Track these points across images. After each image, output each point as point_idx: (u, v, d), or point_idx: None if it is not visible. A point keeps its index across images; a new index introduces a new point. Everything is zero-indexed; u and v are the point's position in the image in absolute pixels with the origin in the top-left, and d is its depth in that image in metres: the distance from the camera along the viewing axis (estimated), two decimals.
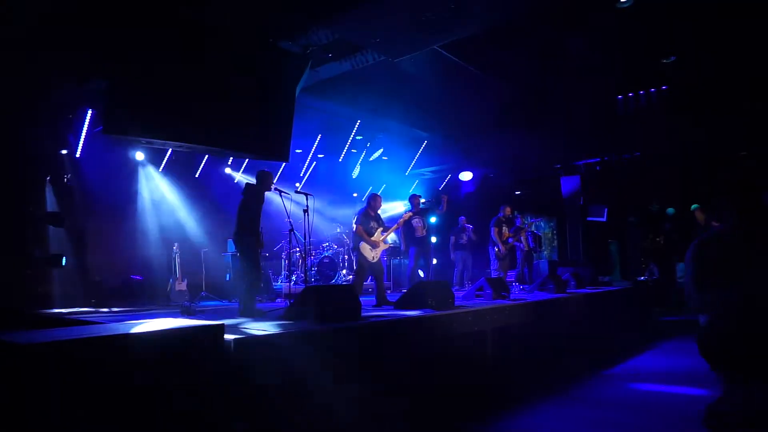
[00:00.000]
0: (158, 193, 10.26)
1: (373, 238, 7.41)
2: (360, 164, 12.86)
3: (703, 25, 6.58)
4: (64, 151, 8.61)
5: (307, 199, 6.60)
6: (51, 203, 8.54)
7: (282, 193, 6.58)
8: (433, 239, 12.13)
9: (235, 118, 6.07)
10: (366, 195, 8.15)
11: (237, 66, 6.02)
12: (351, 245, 7.66)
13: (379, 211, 7.72)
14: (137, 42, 5.33)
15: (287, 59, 6.41)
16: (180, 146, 6.18)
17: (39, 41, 5.50)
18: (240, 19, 5.82)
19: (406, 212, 8.10)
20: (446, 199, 8.51)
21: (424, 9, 5.66)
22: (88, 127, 8.48)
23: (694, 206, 12.97)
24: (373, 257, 7.41)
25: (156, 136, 5.49)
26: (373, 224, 7.52)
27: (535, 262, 11.71)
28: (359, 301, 5.32)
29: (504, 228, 10.12)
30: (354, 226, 7.50)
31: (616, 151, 11.68)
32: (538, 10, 6.36)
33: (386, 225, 7.75)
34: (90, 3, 5.18)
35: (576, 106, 9.78)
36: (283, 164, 11.15)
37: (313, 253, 10.52)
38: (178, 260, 8.73)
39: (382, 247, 7.58)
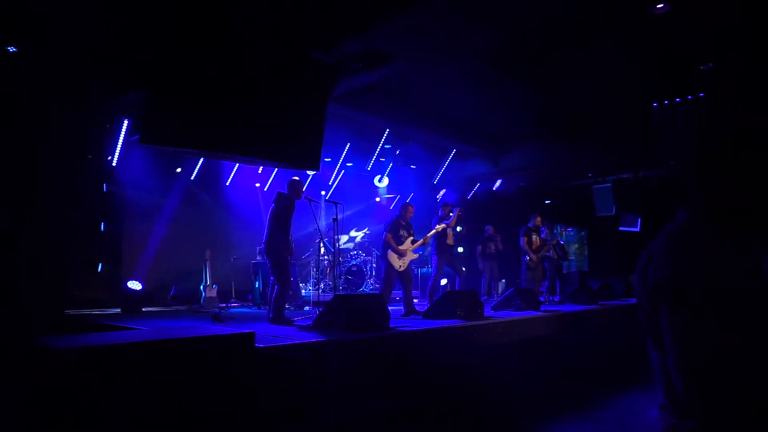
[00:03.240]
0: (191, 200, 10.46)
1: (401, 247, 7.40)
2: (388, 173, 12.88)
3: (742, 30, 6.40)
4: (103, 159, 8.86)
5: (336, 208, 6.63)
6: (89, 210, 8.80)
7: (312, 202, 6.64)
8: (460, 249, 12.05)
9: (268, 128, 6.17)
10: (394, 203, 8.15)
11: (269, 76, 6.12)
12: (380, 252, 7.63)
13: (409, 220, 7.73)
14: (174, 55, 5.47)
15: (319, 69, 6.49)
16: (213, 155, 6.29)
17: (83, 54, 5.71)
18: (273, 31, 5.92)
19: (439, 224, 8.05)
20: (458, 212, 8.38)
21: (456, 22, 5.68)
22: (124, 137, 8.72)
23: None
24: (401, 266, 7.40)
25: (191, 145, 5.61)
26: (402, 233, 7.52)
27: (565, 272, 11.50)
28: (388, 310, 5.31)
29: (534, 237, 9.98)
30: (384, 234, 7.52)
31: (651, 160, 11.41)
32: (569, 20, 6.30)
33: (415, 236, 7.72)
34: (132, 17, 5.36)
35: (610, 114, 9.61)
36: (311, 174, 11.27)
37: (341, 260, 10.56)
38: (209, 267, 8.87)
39: (411, 256, 7.55)
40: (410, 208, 7.77)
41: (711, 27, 6.45)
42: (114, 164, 8.88)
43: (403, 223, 7.62)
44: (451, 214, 8.44)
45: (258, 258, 9.48)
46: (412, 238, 7.62)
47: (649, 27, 6.46)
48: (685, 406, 1.31)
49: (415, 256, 7.69)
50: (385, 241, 7.46)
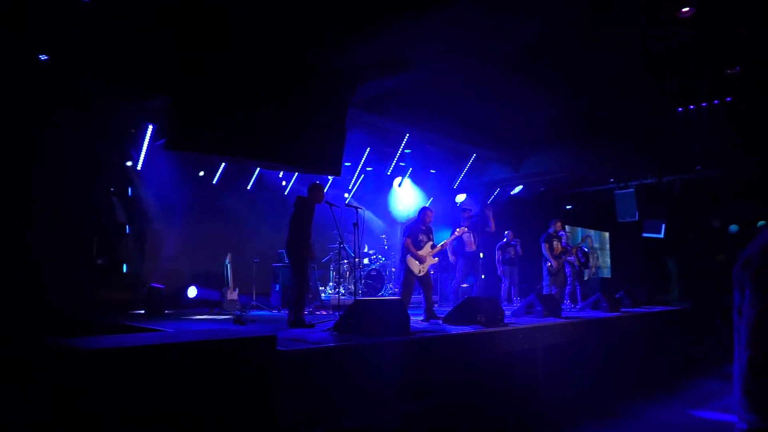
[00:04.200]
0: (213, 203, 10.60)
1: (421, 252, 7.38)
2: (408, 177, 12.88)
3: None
4: (128, 164, 9.05)
5: (357, 213, 6.66)
6: (114, 213, 8.99)
7: (332, 206, 6.67)
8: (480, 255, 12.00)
9: (290, 133, 6.24)
10: (416, 208, 8.20)
11: (291, 82, 6.20)
12: (400, 257, 7.61)
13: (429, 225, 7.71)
14: (198, 62, 5.58)
15: (339, 75, 6.55)
16: (236, 160, 6.38)
17: (108, 60, 5.86)
18: (296, 38, 5.99)
19: (457, 228, 8.01)
20: (492, 215, 8.36)
21: (473, 28, 5.69)
22: (149, 142, 8.89)
23: (760, 223, 12.31)
24: (420, 271, 7.38)
25: (215, 151, 5.72)
26: (422, 237, 7.49)
27: (586, 279, 11.37)
28: (408, 315, 5.30)
29: (555, 243, 9.89)
30: (403, 239, 7.50)
31: (675, 165, 11.23)
32: (593, 24, 6.25)
33: (434, 241, 7.70)
34: (155, 28, 5.49)
35: (633, 118, 9.48)
36: (332, 177, 11.32)
37: (361, 265, 10.58)
38: (230, 270, 8.96)
39: (430, 261, 7.52)
40: (430, 213, 7.74)
41: (737, 30, 6.34)
42: (139, 168, 9.05)
43: (423, 228, 7.59)
44: (472, 218, 8.42)
45: (279, 261, 9.55)
46: (431, 242, 7.58)
47: (675, 30, 6.37)
48: (739, 399, 1.29)
49: (435, 260, 7.65)
50: (404, 246, 7.44)
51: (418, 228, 7.54)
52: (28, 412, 3.51)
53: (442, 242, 7.78)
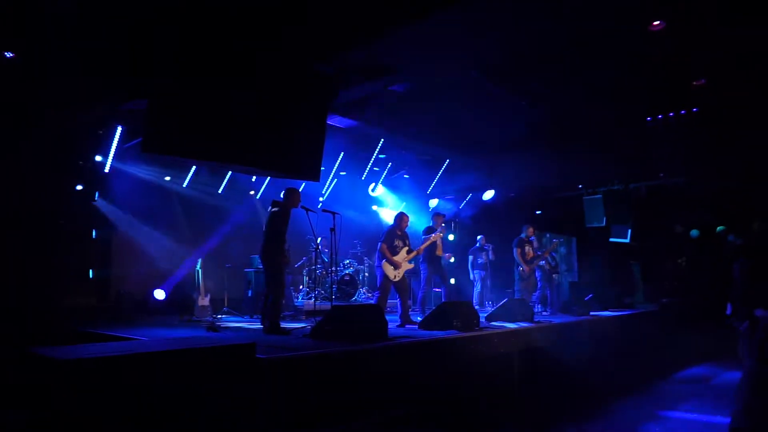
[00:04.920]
0: (183, 207, 10.39)
1: (396, 258, 7.39)
2: (382, 182, 12.89)
3: (735, 47, 6.56)
4: (95, 164, 8.77)
5: (333, 218, 6.62)
6: (79, 217, 8.70)
7: (308, 211, 6.61)
8: (452, 259, 12.07)
9: (268, 138, 6.17)
10: (395, 214, 8.22)
11: (270, 86, 6.12)
12: (376, 263, 7.60)
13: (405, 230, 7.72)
14: (176, 65, 5.46)
15: (321, 80, 6.51)
16: (213, 165, 6.26)
17: (84, 61, 5.68)
18: (276, 42, 5.93)
19: (433, 234, 8.04)
20: (441, 219, 8.43)
21: (456, 36, 5.77)
22: (117, 143, 8.64)
23: (719, 228, 12.78)
24: (395, 276, 7.39)
25: (192, 155, 5.60)
26: (398, 243, 7.50)
27: (556, 283, 11.58)
28: (386, 321, 5.31)
29: (527, 248, 10.04)
30: (379, 243, 7.50)
31: (642, 172, 11.58)
32: (567, 35, 6.41)
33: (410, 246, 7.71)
34: (135, 29, 5.36)
35: (602, 126, 9.74)
36: (304, 182, 11.25)
37: (334, 270, 10.53)
38: (201, 275, 8.79)
39: (406, 266, 7.53)
40: (406, 218, 7.75)
41: (705, 44, 6.59)
42: (106, 171, 8.79)
43: (399, 233, 7.60)
44: (443, 225, 8.47)
45: (251, 266, 9.41)
46: (407, 248, 7.60)
47: (645, 43, 6.58)
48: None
49: (411, 266, 7.67)
50: (380, 252, 7.43)
51: (394, 233, 7.54)
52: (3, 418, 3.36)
53: (417, 249, 7.80)
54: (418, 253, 7.81)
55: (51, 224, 7.59)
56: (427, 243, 7.95)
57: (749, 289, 4.82)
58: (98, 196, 8.95)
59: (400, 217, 7.73)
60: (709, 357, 9.27)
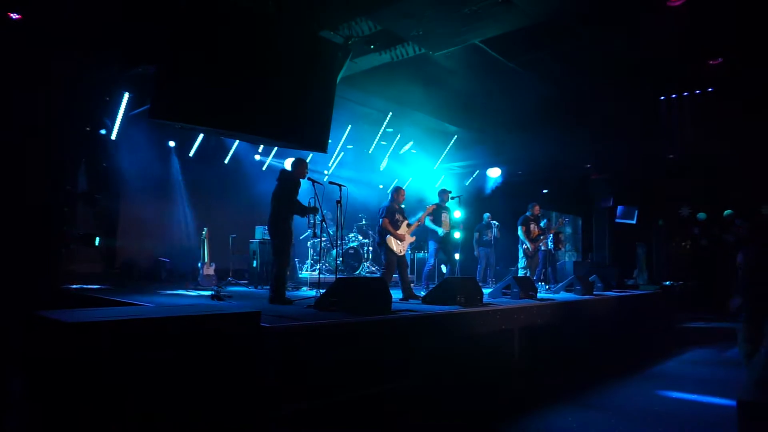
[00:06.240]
0: (189, 177, 10.38)
1: (399, 232, 7.38)
2: (389, 156, 12.82)
3: (753, 27, 6.39)
4: (102, 132, 8.74)
5: (340, 190, 6.59)
6: (86, 184, 8.71)
7: (315, 183, 6.58)
8: (457, 235, 12.07)
9: (277, 108, 6.10)
10: (390, 188, 8.15)
11: (280, 55, 6.03)
12: (377, 240, 7.59)
13: (402, 205, 7.71)
14: (186, 30, 5.37)
15: (329, 50, 6.40)
16: (221, 132, 6.22)
17: (90, 26, 5.59)
18: (283, 9, 5.82)
19: (428, 205, 8.05)
20: (447, 196, 8.43)
21: (468, 2, 5.61)
22: (124, 110, 8.59)
23: (727, 212, 12.71)
24: (401, 251, 7.39)
25: (201, 122, 5.54)
26: (398, 217, 7.50)
27: (559, 262, 11.58)
28: (390, 294, 5.32)
29: (532, 226, 10.01)
30: (380, 220, 7.48)
31: (652, 153, 11.44)
32: (583, 8, 6.24)
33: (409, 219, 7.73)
34: None
35: (613, 105, 9.59)
36: (311, 153, 11.18)
37: (340, 243, 10.54)
38: (207, 244, 8.83)
39: (408, 240, 7.54)
40: (402, 192, 7.74)
41: (724, 22, 6.43)
42: (113, 138, 8.77)
43: (397, 207, 7.59)
44: (452, 199, 8.45)
45: (256, 237, 9.44)
46: (407, 222, 7.62)
47: (663, 19, 6.41)
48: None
49: (412, 239, 7.71)
50: (382, 227, 7.41)
51: (393, 208, 7.53)
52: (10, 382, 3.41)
53: (417, 220, 7.81)
54: (418, 225, 7.82)
55: (57, 190, 7.60)
56: (425, 214, 7.97)
57: (755, 273, 4.75)
58: (105, 164, 8.95)
59: (397, 191, 7.72)
60: (710, 341, 9.29)
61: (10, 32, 6.18)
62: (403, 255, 7.49)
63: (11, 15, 5.89)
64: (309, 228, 10.69)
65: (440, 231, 8.32)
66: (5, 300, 6.06)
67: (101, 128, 8.73)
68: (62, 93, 7.39)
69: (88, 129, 8.67)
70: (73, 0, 5.35)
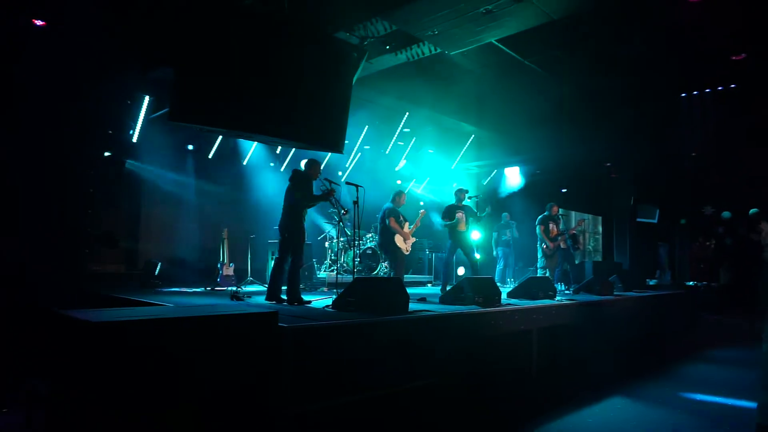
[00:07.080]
0: (209, 178, 10.51)
1: (405, 231, 7.80)
2: (406, 157, 12.81)
3: None
4: (123, 136, 8.91)
5: (357, 191, 6.61)
6: (111, 186, 8.89)
7: (331, 184, 6.60)
8: (477, 235, 12.01)
9: (293, 109, 6.16)
10: (393, 192, 8.33)
11: (296, 57, 6.08)
12: (379, 240, 7.87)
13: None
14: (204, 32, 5.45)
15: (345, 50, 6.43)
16: (239, 135, 6.29)
17: (111, 29, 5.69)
18: (300, 11, 5.86)
19: (421, 210, 8.30)
20: (464, 195, 8.50)
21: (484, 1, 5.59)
22: (145, 114, 8.74)
23: (752, 210, 12.42)
24: (407, 249, 7.74)
25: (218, 124, 5.61)
26: (401, 218, 7.88)
27: (578, 262, 11.45)
28: (407, 294, 5.33)
29: (552, 225, 9.92)
30: (386, 220, 7.72)
31: (673, 151, 11.24)
32: (601, 4, 6.16)
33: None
34: None
35: (633, 103, 9.44)
36: (329, 154, 11.22)
37: (357, 243, 10.56)
38: (226, 245, 8.93)
39: (411, 240, 8.00)
40: (403, 195, 8.22)
41: (746, 16, 6.29)
42: (134, 140, 8.92)
43: (398, 209, 7.94)
44: (470, 199, 8.48)
45: (275, 238, 9.50)
46: (408, 222, 7.96)
47: (683, 14, 6.30)
48: None
49: (414, 239, 8.10)
50: (389, 227, 7.65)
51: (396, 210, 7.89)
52: (34, 381, 3.49)
53: (416, 223, 8.04)
54: (416, 227, 8.15)
55: (81, 192, 7.76)
56: (420, 217, 8.14)
57: None
58: (126, 167, 9.12)
59: (399, 194, 8.09)
60: (735, 342, 9.11)
61: (35, 39, 6.33)
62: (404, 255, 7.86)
63: (35, 22, 6.04)
64: (329, 223, 10.67)
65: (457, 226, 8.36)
66: (29, 299, 6.21)
67: (123, 131, 8.89)
68: (85, 98, 7.55)
69: (110, 132, 8.83)
70: (94, 4, 5.45)
